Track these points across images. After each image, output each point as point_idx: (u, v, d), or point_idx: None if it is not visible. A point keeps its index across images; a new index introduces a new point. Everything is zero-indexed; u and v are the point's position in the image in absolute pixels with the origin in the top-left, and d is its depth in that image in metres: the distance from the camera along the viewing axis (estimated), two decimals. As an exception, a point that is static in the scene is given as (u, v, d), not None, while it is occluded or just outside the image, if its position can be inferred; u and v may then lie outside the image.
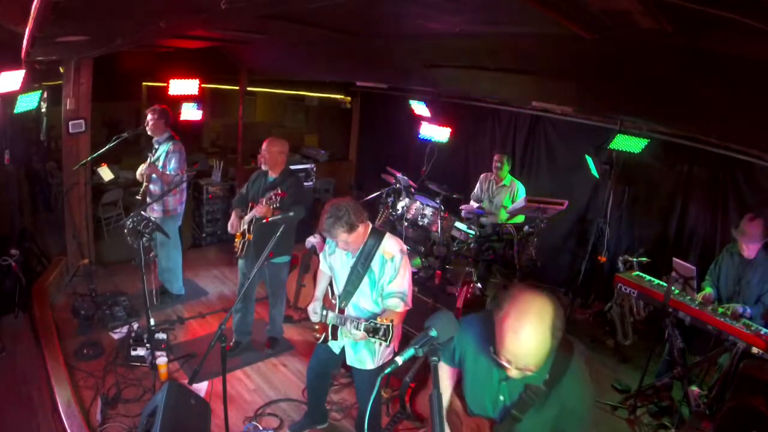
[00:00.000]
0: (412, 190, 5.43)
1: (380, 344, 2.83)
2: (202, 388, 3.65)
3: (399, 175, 5.39)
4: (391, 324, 2.44)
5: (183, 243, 5.10)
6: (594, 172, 5.23)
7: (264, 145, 3.91)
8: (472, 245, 4.97)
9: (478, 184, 5.60)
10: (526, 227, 4.99)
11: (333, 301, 2.89)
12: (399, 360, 1.47)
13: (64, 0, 1.75)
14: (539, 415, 1.68)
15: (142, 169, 4.68)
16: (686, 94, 2.93)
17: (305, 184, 6.59)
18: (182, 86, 5.74)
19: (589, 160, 5.16)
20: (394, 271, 2.67)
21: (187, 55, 6.02)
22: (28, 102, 4.62)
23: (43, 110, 6.85)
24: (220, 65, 6.70)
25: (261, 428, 3.42)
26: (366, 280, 2.74)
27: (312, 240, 4.58)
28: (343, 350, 2.97)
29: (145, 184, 4.72)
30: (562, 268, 5.96)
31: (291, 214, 3.43)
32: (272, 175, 3.94)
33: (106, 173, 5.26)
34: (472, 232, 4.97)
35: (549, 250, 5.69)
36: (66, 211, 5.16)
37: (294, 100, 10.60)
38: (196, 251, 6.35)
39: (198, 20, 2.68)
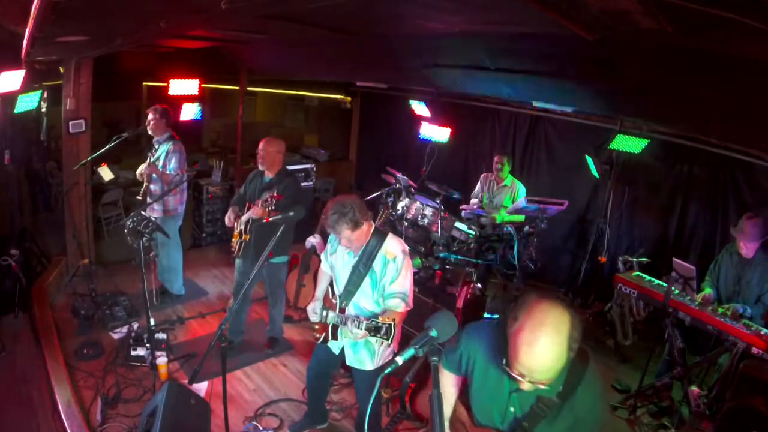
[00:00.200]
0: (412, 190, 5.42)
1: (380, 345, 2.84)
2: (202, 388, 3.65)
3: (399, 175, 5.39)
4: (393, 323, 2.44)
5: (183, 243, 5.09)
6: (594, 172, 5.23)
7: (261, 145, 3.89)
8: (472, 245, 4.97)
9: (478, 184, 5.60)
10: (526, 227, 4.99)
11: (333, 300, 2.89)
12: (399, 360, 1.46)
13: (64, 0, 1.75)
14: (551, 427, 1.61)
15: (142, 168, 4.68)
16: (686, 94, 2.93)
17: (305, 184, 6.60)
18: (182, 86, 5.74)
19: (589, 160, 5.16)
20: (396, 272, 2.67)
21: (187, 55, 6.02)
22: (28, 102, 4.62)
23: (43, 110, 6.84)
24: (220, 65, 6.70)
25: (261, 428, 3.42)
26: (367, 280, 2.74)
27: (312, 240, 4.57)
28: (342, 351, 2.96)
29: (145, 184, 4.72)
30: (562, 268, 5.96)
31: (291, 214, 3.44)
32: (269, 175, 3.93)
33: (106, 173, 5.26)
34: (472, 232, 4.97)
35: (549, 250, 5.69)
36: (66, 211, 5.16)
37: (294, 100, 10.60)
38: (196, 251, 6.35)
39: (198, 20, 2.68)
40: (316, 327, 3.00)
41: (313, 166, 6.75)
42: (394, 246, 2.73)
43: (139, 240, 3.57)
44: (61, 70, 4.88)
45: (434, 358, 1.47)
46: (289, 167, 6.39)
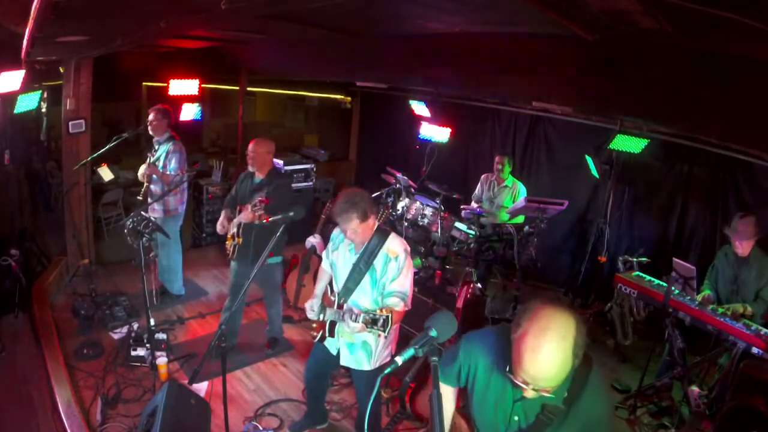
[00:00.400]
0: (412, 190, 5.42)
1: (377, 345, 2.84)
2: (202, 388, 3.64)
3: (399, 175, 5.39)
4: (390, 315, 2.42)
5: (183, 243, 5.09)
6: (594, 172, 5.23)
7: (251, 146, 3.86)
8: (472, 245, 4.97)
9: (479, 185, 5.60)
10: (526, 227, 4.99)
11: (332, 297, 2.89)
12: (399, 360, 1.45)
13: (64, 0, 1.75)
14: None
15: (143, 169, 4.69)
16: (686, 94, 2.93)
17: (305, 184, 6.59)
18: (182, 86, 5.74)
19: (589, 160, 5.16)
20: (397, 270, 2.67)
21: (187, 55, 6.02)
22: (28, 102, 4.62)
23: (43, 110, 6.85)
24: (220, 65, 6.71)
25: (261, 428, 3.42)
26: (367, 277, 2.73)
27: (312, 240, 4.58)
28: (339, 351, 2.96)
29: (146, 184, 4.72)
30: (562, 268, 5.96)
31: (291, 214, 3.43)
32: (259, 176, 3.90)
33: (106, 173, 5.26)
34: (472, 232, 4.97)
35: (549, 250, 5.69)
36: (66, 211, 5.16)
37: (294, 100, 10.60)
38: (196, 251, 6.35)
39: (198, 20, 2.68)
40: (314, 325, 3.00)
41: (313, 166, 6.74)
42: (396, 245, 2.73)
43: (139, 240, 3.56)
44: (61, 70, 4.88)
45: (434, 358, 1.45)
46: (289, 167, 6.43)
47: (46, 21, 2.10)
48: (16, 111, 4.58)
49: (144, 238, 3.58)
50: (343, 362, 2.93)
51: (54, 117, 6.38)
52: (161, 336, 4.13)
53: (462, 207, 5.49)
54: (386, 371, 1.50)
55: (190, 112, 5.82)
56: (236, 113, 7.86)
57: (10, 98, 4.34)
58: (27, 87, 4.14)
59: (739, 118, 2.87)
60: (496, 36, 3.24)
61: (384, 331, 2.43)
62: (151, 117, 4.61)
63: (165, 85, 5.77)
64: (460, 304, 3.62)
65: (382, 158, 6.72)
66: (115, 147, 4.72)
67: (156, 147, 4.69)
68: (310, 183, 6.68)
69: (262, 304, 4.68)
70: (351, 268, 2.77)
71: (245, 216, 3.66)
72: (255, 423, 3.45)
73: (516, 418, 1.62)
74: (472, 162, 6.78)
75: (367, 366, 2.89)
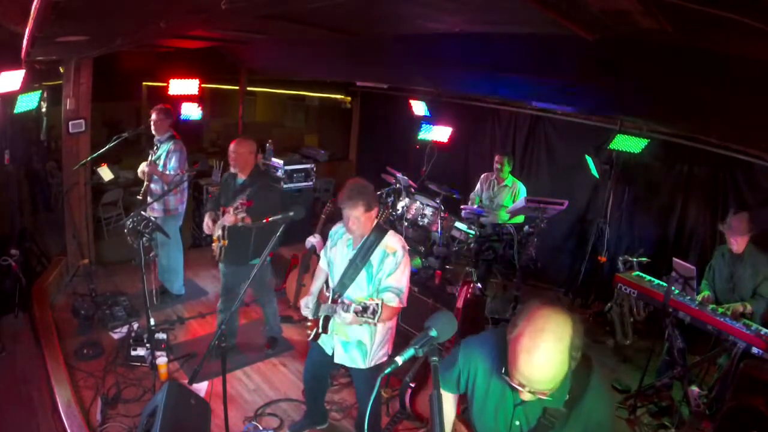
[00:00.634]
0: (412, 190, 5.42)
1: (372, 344, 2.84)
2: (202, 388, 3.64)
3: (399, 175, 5.39)
4: (380, 303, 2.42)
5: (183, 243, 5.09)
6: (594, 172, 5.23)
7: (232, 146, 3.80)
8: (472, 245, 4.97)
9: (478, 184, 5.60)
10: (526, 227, 4.99)
11: (327, 293, 2.89)
12: (399, 360, 1.44)
13: (64, 0, 1.75)
14: None
15: (143, 167, 4.69)
16: (686, 94, 2.93)
17: (305, 184, 6.59)
18: (182, 86, 5.75)
19: (589, 160, 5.16)
20: (394, 266, 2.68)
21: (187, 55, 6.02)
22: (28, 102, 4.62)
23: (43, 110, 6.85)
24: (220, 65, 6.71)
25: (261, 428, 3.42)
26: (363, 273, 2.74)
27: (312, 240, 4.57)
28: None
29: (146, 183, 4.72)
30: (562, 268, 5.96)
31: (291, 214, 3.43)
32: (241, 177, 3.85)
33: (106, 173, 5.27)
34: (472, 232, 4.97)
35: (549, 250, 5.69)
36: (66, 211, 5.16)
37: (294, 100, 10.60)
38: (196, 251, 6.34)
39: (198, 20, 2.68)
40: (308, 323, 3.00)
41: (313, 166, 6.74)
42: (394, 241, 2.75)
43: (139, 240, 3.56)
44: (61, 70, 4.89)
45: (434, 358, 1.44)
46: (289, 167, 6.43)
47: (46, 21, 2.10)
48: (16, 111, 4.58)
49: (144, 238, 3.58)
50: (337, 360, 2.92)
51: (54, 117, 6.38)
52: (161, 336, 4.13)
53: (462, 207, 5.49)
54: (386, 371, 1.50)
55: (190, 112, 5.82)
56: (236, 113, 7.86)
57: (10, 98, 4.34)
58: (27, 87, 4.14)
59: (739, 118, 2.87)
60: (496, 36, 3.24)
61: (374, 319, 2.41)
62: (153, 116, 4.62)
63: (165, 85, 5.77)
64: (460, 304, 3.62)
65: (382, 158, 6.72)
66: (115, 147, 4.73)
67: (157, 146, 4.69)
68: (310, 183, 6.68)
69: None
70: (347, 263, 2.77)
71: (228, 219, 3.62)
72: (255, 423, 3.45)
73: (517, 422, 1.61)
74: (472, 162, 6.78)
75: (362, 364, 2.89)
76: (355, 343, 2.85)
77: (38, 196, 6.95)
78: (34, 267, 5.02)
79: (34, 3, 1.85)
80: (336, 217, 3.09)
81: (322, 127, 10.17)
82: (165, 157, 4.61)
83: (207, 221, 3.90)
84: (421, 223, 5.21)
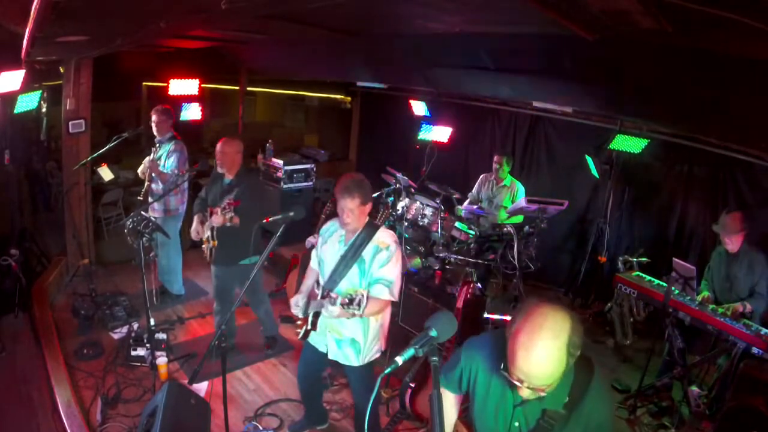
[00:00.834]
0: (412, 190, 5.42)
1: (366, 342, 2.85)
2: (202, 388, 3.65)
3: (399, 175, 5.38)
4: (366, 294, 2.44)
5: (183, 243, 5.10)
6: (594, 172, 5.23)
7: (219, 146, 3.78)
8: (472, 245, 4.96)
9: (477, 185, 5.59)
10: (526, 227, 4.98)
11: (317, 291, 2.89)
12: (399, 360, 1.44)
13: (64, 0, 1.75)
14: None
15: (144, 166, 4.69)
16: (686, 94, 2.93)
17: (305, 184, 6.59)
18: (182, 86, 5.75)
19: (589, 160, 5.16)
20: (386, 259, 2.70)
21: (187, 55, 6.02)
22: (28, 102, 4.62)
23: (43, 110, 6.85)
24: (220, 65, 6.71)
25: (261, 428, 3.42)
26: (355, 269, 2.74)
27: (312, 240, 4.57)
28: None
29: (147, 183, 4.72)
30: (562, 268, 5.96)
31: (291, 214, 3.42)
32: (228, 177, 3.83)
33: (106, 173, 5.27)
34: (472, 232, 4.96)
35: (549, 250, 5.68)
36: (66, 211, 5.16)
37: (294, 100, 10.59)
38: (196, 251, 6.27)
39: (198, 20, 2.68)
40: (298, 322, 3.00)
41: (313, 166, 6.74)
42: (386, 236, 2.77)
43: (139, 240, 3.56)
44: (61, 70, 4.89)
45: (434, 358, 1.44)
46: (289, 167, 6.43)
47: (46, 21, 2.11)
48: (16, 111, 4.58)
49: (144, 238, 3.58)
50: (331, 356, 2.93)
51: (54, 117, 6.38)
52: (161, 336, 4.14)
53: (462, 207, 5.48)
54: (386, 371, 1.50)
55: (190, 112, 5.82)
56: (236, 113, 7.86)
57: (10, 98, 4.35)
58: (27, 87, 4.14)
59: (739, 118, 2.87)
60: (496, 35, 3.24)
61: (359, 310, 2.43)
62: (154, 117, 4.62)
63: (165, 85, 5.77)
64: (460, 304, 3.61)
65: (382, 158, 6.71)
66: (115, 147, 4.73)
67: (158, 146, 4.69)
68: (310, 183, 6.68)
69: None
70: (338, 260, 2.78)
71: (216, 219, 3.59)
72: (255, 423, 3.45)
73: (516, 423, 1.61)
74: (472, 162, 6.78)
75: (355, 362, 2.89)
76: (349, 340, 2.85)
77: (38, 196, 6.95)
78: (34, 267, 5.02)
79: (34, 3, 1.85)
80: (336, 216, 3.09)
81: (322, 127, 10.16)
82: (165, 157, 4.61)
83: (195, 226, 3.86)
84: (421, 223, 5.20)
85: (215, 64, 6.56)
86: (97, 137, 5.39)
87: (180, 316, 4.75)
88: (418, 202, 5.23)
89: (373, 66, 5.36)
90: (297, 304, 2.90)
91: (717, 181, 4.65)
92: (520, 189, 5.34)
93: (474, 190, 5.59)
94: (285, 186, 6.38)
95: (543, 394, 1.46)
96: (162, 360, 3.77)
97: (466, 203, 5.53)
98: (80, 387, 3.58)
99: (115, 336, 4.26)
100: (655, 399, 3.79)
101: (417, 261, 4.99)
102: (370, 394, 3.00)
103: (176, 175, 4.57)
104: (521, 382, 1.44)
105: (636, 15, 1.72)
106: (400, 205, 5.26)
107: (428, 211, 5.16)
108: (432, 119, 6.22)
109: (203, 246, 3.93)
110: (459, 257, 4.67)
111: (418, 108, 6.42)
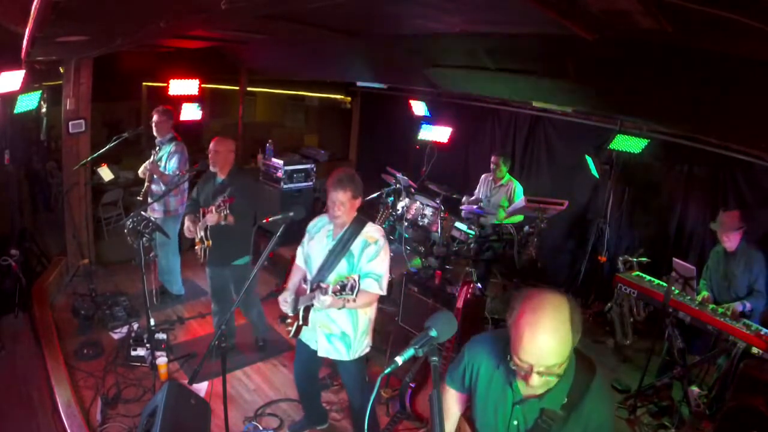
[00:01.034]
0: (412, 190, 5.42)
1: (356, 335, 2.86)
2: (202, 388, 3.65)
3: (399, 175, 5.38)
4: (357, 278, 2.44)
5: (183, 243, 5.10)
6: (594, 172, 5.23)
7: (212, 145, 3.79)
8: (472, 245, 4.97)
9: (478, 186, 5.60)
10: (526, 227, 4.99)
11: (304, 285, 2.90)
12: (399, 360, 1.44)
13: (64, 0, 1.75)
14: None
15: (144, 167, 4.69)
16: (686, 94, 2.93)
17: (305, 184, 6.59)
18: (182, 86, 5.74)
19: (589, 160, 5.16)
20: (375, 253, 2.72)
21: (187, 55, 6.02)
22: (28, 102, 4.62)
23: (43, 110, 6.85)
24: (220, 65, 6.71)
25: (261, 428, 3.42)
26: (344, 262, 2.75)
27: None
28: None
29: (147, 183, 4.72)
30: (562, 268, 5.96)
31: (291, 214, 3.42)
32: (221, 176, 3.83)
33: (106, 173, 5.27)
34: (472, 232, 4.97)
35: (549, 250, 5.69)
36: (66, 211, 5.16)
37: (294, 100, 10.58)
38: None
39: (198, 20, 2.68)
40: (288, 320, 3.00)
41: (313, 166, 6.74)
42: (374, 231, 2.80)
43: (139, 240, 3.56)
44: (61, 70, 4.89)
45: (434, 358, 1.44)
46: (289, 167, 6.43)
47: (46, 21, 2.11)
48: (16, 111, 4.58)
49: (144, 238, 3.58)
50: (321, 353, 2.93)
51: (54, 117, 6.38)
52: (161, 336, 4.14)
53: (462, 207, 5.49)
54: (386, 371, 1.50)
55: (190, 112, 5.82)
56: (236, 113, 7.85)
57: (10, 98, 4.35)
58: (27, 87, 4.14)
59: (739, 118, 2.87)
60: (496, 35, 3.24)
61: (352, 295, 2.43)
62: (155, 117, 4.62)
63: (165, 85, 5.77)
64: (460, 304, 3.61)
65: (382, 158, 6.72)
66: (115, 147, 4.73)
67: (159, 147, 4.69)
68: (310, 183, 6.68)
69: (263, 303, 4.66)
70: (326, 254, 2.79)
71: (210, 218, 3.57)
72: (255, 423, 3.45)
73: (515, 422, 1.62)
74: (472, 162, 6.78)
75: (346, 356, 2.90)
76: (339, 335, 2.86)
77: (38, 196, 6.95)
78: (34, 267, 5.02)
79: (34, 3, 1.85)
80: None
81: (322, 127, 10.16)
82: (166, 159, 4.61)
83: (188, 225, 3.84)
84: (421, 223, 5.21)
85: (215, 64, 6.56)
86: (97, 137, 5.39)
87: (180, 316, 4.75)
88: (418, 202, 5.23)
89: (373, 66, 5.36)
90: (285, 300, 2.91)
91: (717, 181, 4.65)
92: (518, 189, 5.34)
93: (476, 190, 5.60)
94: (285, 186, 6.38)
95: (553, 378, 1.45)
96: (162, 360, 3.77)
97: (466, 204, 5.53)
98: (80, 387, 3.58)
99: (115, 336, 4.26)
100: (655, 399, 3.79)
101: (417, 261, 5.00)
102: (362, 390, 3.03)
103: (177, 175, 4.58)
104: (531, 368, 1.42)
105: (636, 15, 1.72)
106: (400, 205, 5.26)
107: (428, 211, 5.16)
108: (432, 119, 6.22)
109: (196, 247, 3.91)
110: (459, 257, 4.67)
111: (418, 108, 6.42)
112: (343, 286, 2.46)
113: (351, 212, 2.78)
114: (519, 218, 5.21)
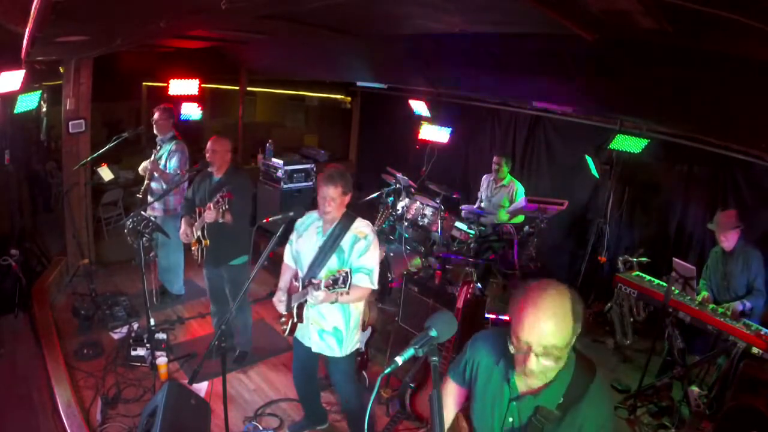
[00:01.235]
0: (412, 190, 5.42)
1: (348, 331, 2.87)
2: (202, 388, 3.65)
3: (399, 175, 5.39)
4: (349, 271, 2.47)
5: (183, 243, 5.09)
6: (594, 172, 5.23)
7: (209, 144, 3.77)
8: (472, 245, 4.97)
9: (481, 187, 5.60)
10: (526, 227, 4.99)
11: (296, 283, 2.90)
12: (399, 360, 1.44)
13: (64, 0, 1.75)
14: None
15: (145, 165, 4.69)
16: (686, 94, 2.93)
17: (305, 184, 6.59)
18: (182, 86, 5.75)
19: (589, 160, 5.16)
20: (365, 248, 2.74)
21: (187, 55, 6.03)
22: (28, 102, 4.62)
23: (43, 110, 6.85)
24: (220, 65, 6.72)
25: (261, 428, 3.42)
26: (334, 258, 2.76)
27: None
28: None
29: (146, 182, 4.72)
30: (562, 268, 5.96)
31: (291, 214, 3.42)
32: (217, 176, 3.80)
33: (106, 173, 5.26)
34: (472, 232, 4.97)
35: (549, 250, 5.69)
36: (66, 211, 5.15)
37: (294, 100, 10.58)
38: (196, 251, 6.34)
39: (198, 20, 2.68)
40: (282, 319, 3.00)
41: (313, 166, 6.74)
42: (364, 226, 2.81)
43: (139, 240, 3.56)
44: (61, 70, 4.89)
45: (434, 358, 1.45)
46: (289, 167, 6.43)
47: (46, 21, 2.11)
48: (16, 111, 4.58)
49: (144, 238, 3.58)
50: (315, 349, 2.93)
51: (54, 117, 6.38)
52: (161, 336, 4.14)
53: (462, 207, 5.49)
54: (386, 371, 1.50)
55: (190, 112, 5.82)
56: (236, 113, 7.86)
57: (10, 98, 4.35)
58: (27, 87, 4.14)
59: (739, 118, 2.87)
60: (497, 35, 3.24)
61: (345, 288, 2.46)
62: (156, 116, 4.62)
63: (165, 85, 5.78)
64: (460, 304, 3.62)
65: (382, 158, 6.72)
66: (115, 147, 4.73)
67: (159, 146, 4.69)
68: (310, 183, 6.68)
69: (262, 303, 4.67)
70: (317, 251, 2.80)
71: (209, 216, 3.51)
72: (255, 423, 3.45)
73: (510, 419, 1.62)
74: (472, 162, 6.78)
75: (338, 352, 2.90)
76: (331, 330, 2.87)
77: (38, 196, 6.94)
78: (34, 267, 5.02)
79: (34, 3, 1.85)
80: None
81: (322, 127, 10.16)
82: (167, 158, 4.61)
83: (185, 228, 3.81)
84: (421, 223, 5.21)
85: (215, 64, 6.56)
86: (97, 137, 5.39)
87: (180, 316, 4.75)
88: (418, 202, 5.23)
89: (373, 66, 5.36)
90: (279, 300, 2.92)
91: (717, 181, 4.65)
92: (519, 189, 5.34)
93: (480, 192, 5.60)
94: (285, 186, 6.38)
95: (553, 363, 1.45)
96: (162, 360, 3.77)
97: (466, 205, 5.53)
98: (80, 387, 3.58)
99: (115, 336, 4.26)
100: (655, 399, 3.79)
101: (417, 261, 5.00)
102: (352, 386, 3.03)
103: (177, 175, 4.58)
104: (530, 349, 1.43)
105: (636, 15, 1.72)
106: (400, 205, 5.26)
107: (428, 211, 5.16)
108: (432, 119, 6.22)
109: (193, 249, 3.88)
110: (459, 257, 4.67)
111: (418, 108, 6.42)
112: (335, 279, 2.48)
113: (341, 208, 2.79)
114: (519, 218, 5.22)
